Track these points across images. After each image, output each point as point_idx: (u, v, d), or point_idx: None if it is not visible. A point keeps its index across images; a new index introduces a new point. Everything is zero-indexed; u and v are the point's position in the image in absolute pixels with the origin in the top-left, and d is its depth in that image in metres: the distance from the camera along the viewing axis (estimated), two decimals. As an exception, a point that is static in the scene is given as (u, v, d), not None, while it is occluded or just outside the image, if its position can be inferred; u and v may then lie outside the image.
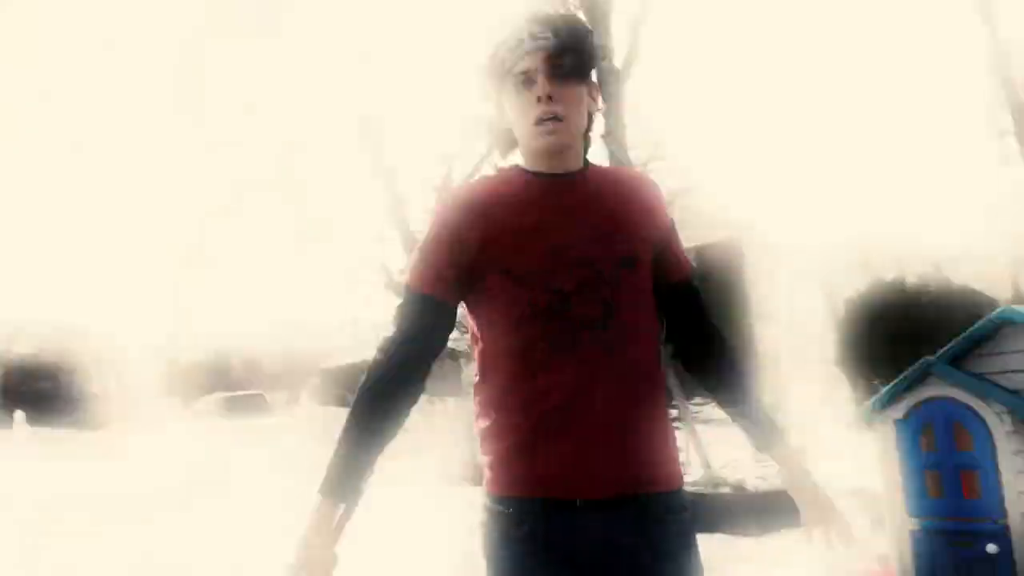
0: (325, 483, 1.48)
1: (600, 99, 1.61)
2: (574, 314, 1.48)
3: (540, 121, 1.48)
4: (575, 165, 1.57)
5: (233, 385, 28.32)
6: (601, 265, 1.50)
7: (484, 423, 1.54)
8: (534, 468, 1.47)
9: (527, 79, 1.49)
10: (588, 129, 1.59)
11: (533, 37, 1.48)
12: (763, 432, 1.62)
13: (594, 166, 1.62)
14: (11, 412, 19.27)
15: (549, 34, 1.48)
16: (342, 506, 1.49)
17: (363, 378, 1.53)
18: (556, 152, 1.53)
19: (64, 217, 32.12)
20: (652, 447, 1.51)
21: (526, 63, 1.49)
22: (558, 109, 1.48)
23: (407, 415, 1.54)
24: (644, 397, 1.51)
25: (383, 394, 1.51)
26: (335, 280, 17.42)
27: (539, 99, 1.48)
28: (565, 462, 1.45)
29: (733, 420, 1.66)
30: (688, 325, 1.66)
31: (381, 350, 1.53)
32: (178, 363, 29.68)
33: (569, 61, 1.49)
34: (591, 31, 1.57)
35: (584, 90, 1.53)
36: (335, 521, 1.48)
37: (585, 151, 1.62)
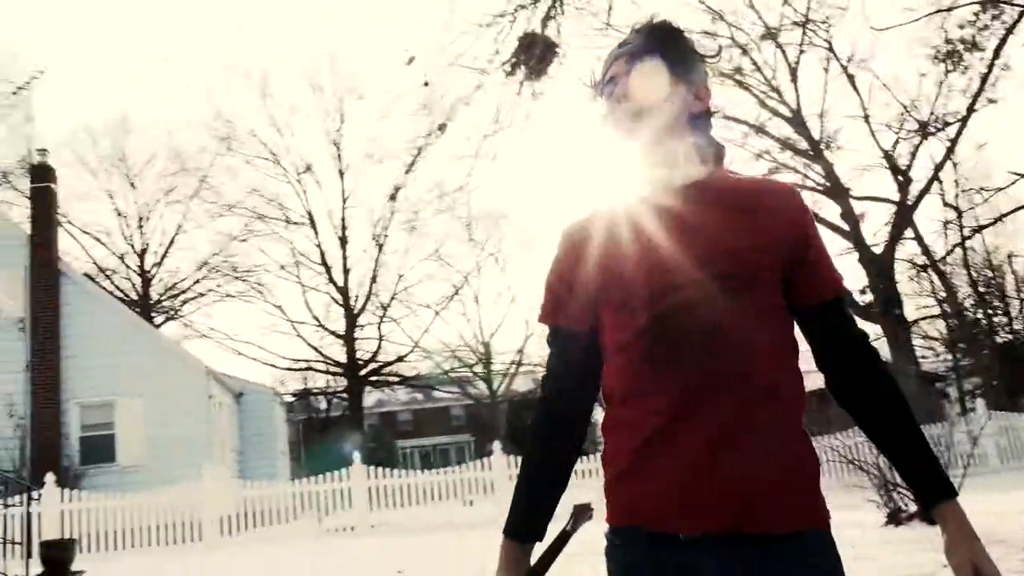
0: (507, 523, 1.53)
1: (710, 97, 1.53)
2: (675, 337, 1.38)
3: (621, 121, 1.49)
4: (682, 169, 1.48)
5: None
6: (710, 285, 1.39)
7: (603, 452, 1.50)
8: (634, 497, 1.40)
9: (613, 84, 1.50)
10: (695, 128, 1.50)
11: (621, 45, 1.52)
12: (928, 485, 1.42)
13: (722, 175, 1.50)
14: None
15: (634, 38, 1.51)
16: (528, 546, 1.52)
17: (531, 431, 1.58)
18: (644, 149, 1.49)
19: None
20: (770, 482, 1.35)
21: (613, 69, 1.51)
22: (637, 108, 1.47)
23: (572, 447, 1.55)
24: (761, 424, 1.36)
25: (539, 434, 1.55)
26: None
27: (619, 100, 1.49)
28: (663, 491, 1.36)
29: (895, 467, 1.47)
30: (829, 349, 1.50)
31: (540, 390, 1.60)
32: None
33: (651, 60, 1.47)
34: (680, 31, 1.54)
35: (677, 88, 1.48)
36: (520, 561, 1.51)
37: (713, 158, 1.50)
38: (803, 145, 24.77)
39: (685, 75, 1.49)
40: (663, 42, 1.49)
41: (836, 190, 24.25)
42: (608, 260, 1.47)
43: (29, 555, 7.40)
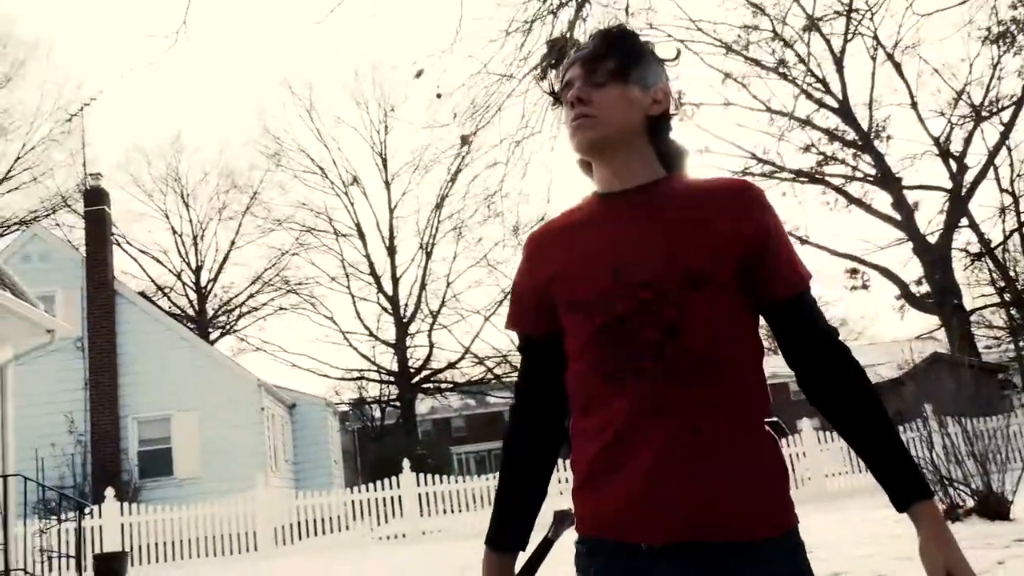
0: (488, 533, 1.53)
1: (670, 101, 1.51)
2: (632, 340, 1.34)
3: (570, 122, 1.46)
4: (639, 172, 1.45)
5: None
6: (665, 285, 1.34)
7: (570, 459, 1.46)
8: (595, 507, 1.37)
9: (568, 88, 1.48)
10: (653, 132, 1.48)
11: (576, 50, 1.51)
12: (901, 484, 1.35)
13: (677, 177, 1.48)
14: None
15: (588, 43, 1.49)
16: (510, 555, 1.51)
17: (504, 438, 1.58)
18: (588, 149, 1.47)
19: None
20: (732, 489, 1.30)
21: (569, 74, 1.49)
22: (589, 110, 1.43)
23: (545, 456, 1.54)
24: (720, 431, 1.32)
25: (510, 444, 1.55)
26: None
27: (572, 104, 1.45)
28: (621, 501, 1.33)
29: (867, 467, 1.40)
30: (795, 347, 1.44)
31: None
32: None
33: (604, 64, 1.45)
34: (635, 34, 1.52)
35: (630, 90, 1.45)
36: (502, 571, 1.51)
37: (665, 161, 1.48)
38: (851, 136, 24.29)
39: (640, 78, 1.47)
40: (617, 45, 1.47)
41: (887, 180, 23.72)
42: (556, 262, 1.46)
43: (82, 568, 7.59)
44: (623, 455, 1.33)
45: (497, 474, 1.62)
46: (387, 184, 34.26)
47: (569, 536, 1.71)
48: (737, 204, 1.41)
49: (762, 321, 1.47)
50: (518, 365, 1.61)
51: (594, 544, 1.38)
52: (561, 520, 1.76)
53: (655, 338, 1.33)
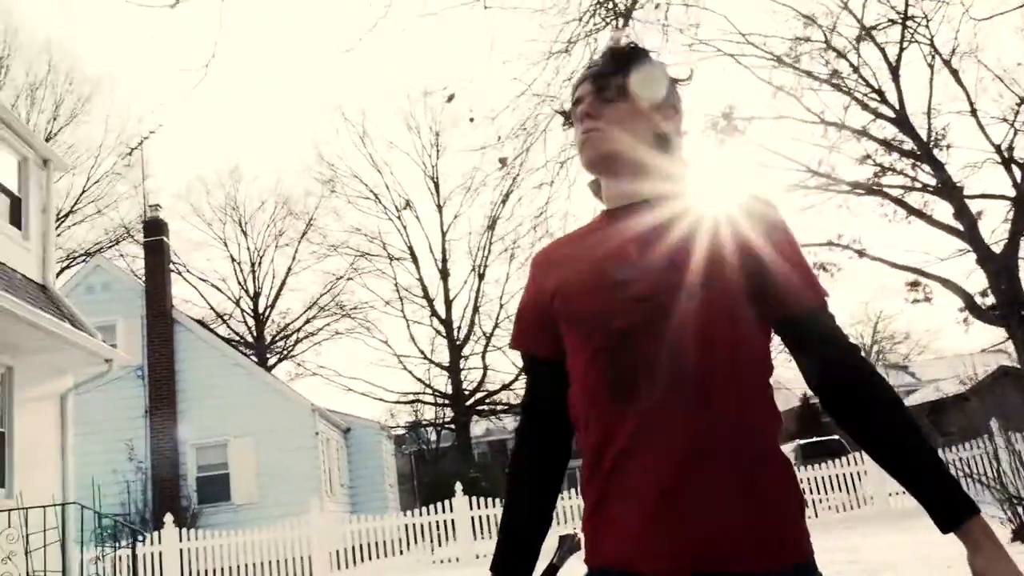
0: (492, 561, 1.50)
1: (678, 117, 1.51)
2: (632, 357, 1.29)
3: (579, 137, 1.47)
4: (646, 187, 1.43)
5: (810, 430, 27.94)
6: (664, 298, 1.30)
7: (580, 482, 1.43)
8: (600, 536, 1.32)
9: (578, 105, 1.49)
10: (663, 148, 1.46)
11: (587, 68, 1.53)
12: (944, 502, 1.26)
13: (684, 193, 1.46)
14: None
15: (599, 61, 1.51)
16: None
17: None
18: (596, 164, 1.47)
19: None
20: (736, 518, 1.23)
21: (579, 92, 1.50)
22: (598, 124, 1.45)
23: (548, 481, 1.50)
24: (727, 452, 1.25)
25: (513, 469, 1.52)
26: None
27: (581, 119, 1.47)
28: (624, 530, 1.27)
29: (905, 487, 1.30)
30: (810, 364, 1.37)
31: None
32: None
33: (613, 81, 1.46)
34: (646, 52, 1.52)
35: (638, 108, 1.46)
36: None
37: (670, 173, 1.47)
38: (909, 145, 23.73)
39: (649, 96, 1.48)
40: (627, 64, 1.47)
41: (947, 189, 23.09)
42: (558, 279, 1.44)
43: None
44: (626, 482, 1.28)
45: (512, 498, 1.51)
46: (439, 208, 34.52)
47: (575, 563, 1.65)
48: (747, 218, 1.37)
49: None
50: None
51: (600, 575, 1.32)
52: (565, 545, 1.71)
53: (654, 355, 1.28)
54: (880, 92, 23.69)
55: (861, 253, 24.31)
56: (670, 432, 1.26)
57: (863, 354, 1.39)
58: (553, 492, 1.51)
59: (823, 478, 15.21)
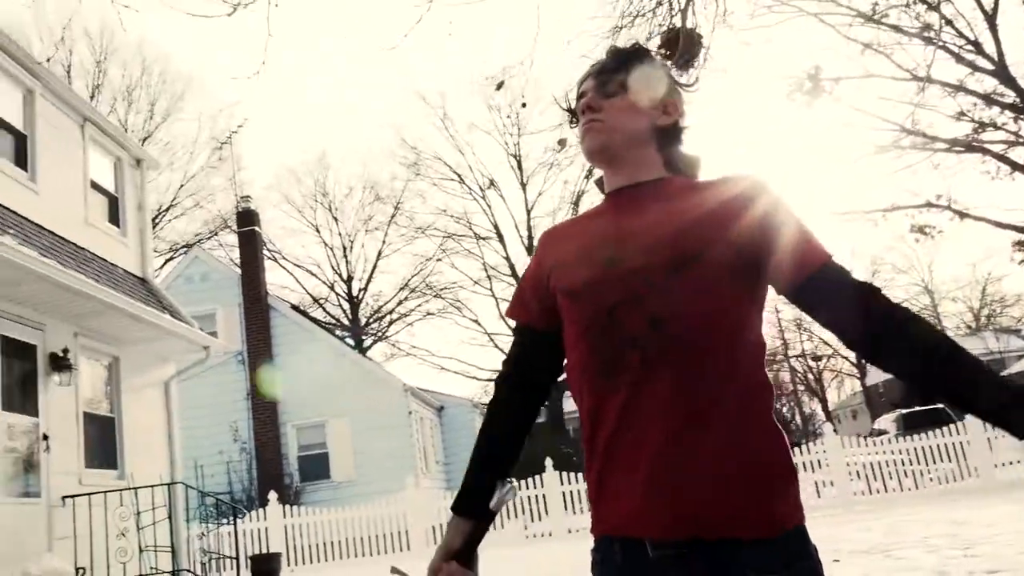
0: (455, 499, 1.57)
1: (679, 113, 1.57)
2: (620, 331, 1.35)
3: (581, 127, 1.54)
4: (644, 176, 1.50)
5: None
6: (652, 272, 1.35)
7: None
8: (606, 506, 1.38)
9: (581, 99, 1.56)
10: (662, 142, 1.53)
11: (592, 65, 1.60)
12: (1017, 404, 1.19)
13: (679, 177, 1.52)
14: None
15: (601, 60, 1.60)
16: (471, 523, 1.54)
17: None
18: (596, 153, 1.52)
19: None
20: (731, 482, 1.28)
21: (583, 87, 1.57)
22: (598, 116, 1.51)
23: (516, 437, 1.57)
24: (715, 423, 1.30)
25: (491, 418, 1.60)
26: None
27: (583, 111, 1.54)
28: (629, 499, 1.33)
29: (965, 409, 1.25)
30: (834, 315, 1.37)
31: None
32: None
33: (615, 77, 1.53)
34: (647, 52, 1.61)
35: (638, 103, 1.52)
36: (464, 537, 1.53)
37: (669, 165, 1.53)
38: (1011, 98, 22.50)
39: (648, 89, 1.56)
40: (629, 62, 1.55)
41: (1055, 143, 21.81)
42: (558, 254, 1.52)
43: (240, 569, 8.13)
44: (621, 457, 1.34)
45: None
46: (523, 186, 34.61)
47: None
48: (735, 195, 1.41)
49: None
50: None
51: (602, 544, 1.39)
52: (504, 488, 1.56)
53: (640, 329, 1.33)
54: (976, 44, 22.52)
55: (962, 214, 23.26)
56: (660, 404, 1.30)
57: (884, 293, 1.35)
58: (513, 444, 1.58)
59: (925, 448, 14.74)
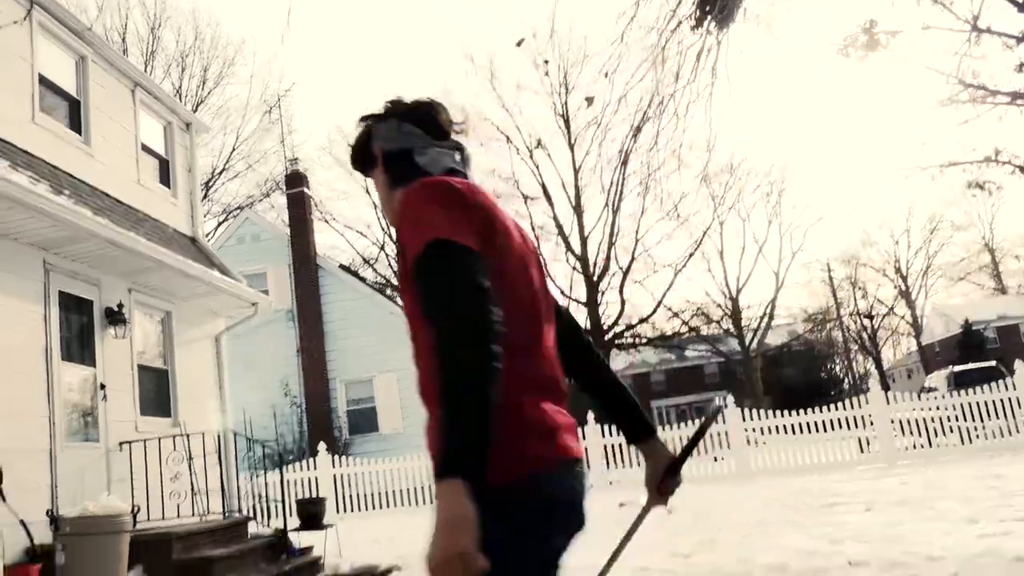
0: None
1: (391, 175, 1.86)
2: None
3: None
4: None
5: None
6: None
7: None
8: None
9: None
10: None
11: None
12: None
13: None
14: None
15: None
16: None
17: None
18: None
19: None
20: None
21: None
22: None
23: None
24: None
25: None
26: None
27: None
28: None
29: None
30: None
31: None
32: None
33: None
34: (366, 134, 1.91)
35: (376, 176, 1.90)
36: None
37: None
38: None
39: (369, 165, 1.92)
40: (353, 149, 1.94)
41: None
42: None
43: (287, 512, 8.56)
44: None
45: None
46: (571, 146, 34.48)
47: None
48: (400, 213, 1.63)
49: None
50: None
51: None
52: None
53: None
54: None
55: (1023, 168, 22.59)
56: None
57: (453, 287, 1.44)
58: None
59: (973, 404, 14.58)
